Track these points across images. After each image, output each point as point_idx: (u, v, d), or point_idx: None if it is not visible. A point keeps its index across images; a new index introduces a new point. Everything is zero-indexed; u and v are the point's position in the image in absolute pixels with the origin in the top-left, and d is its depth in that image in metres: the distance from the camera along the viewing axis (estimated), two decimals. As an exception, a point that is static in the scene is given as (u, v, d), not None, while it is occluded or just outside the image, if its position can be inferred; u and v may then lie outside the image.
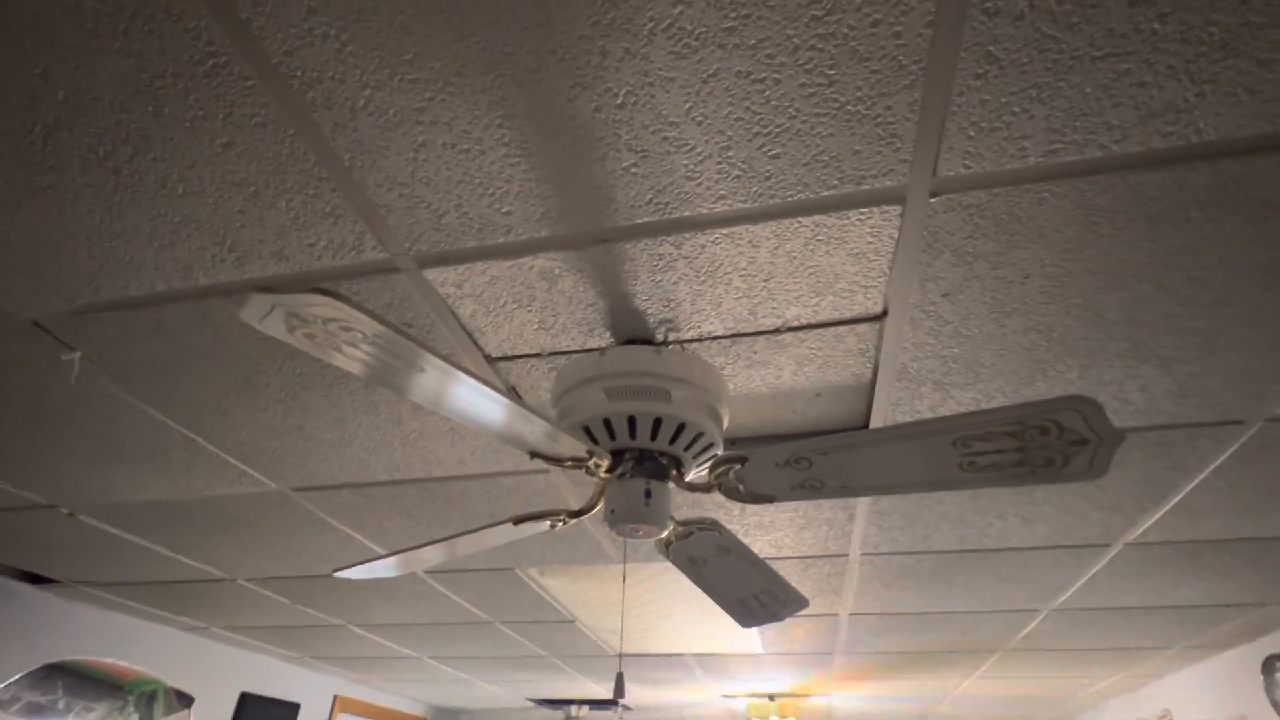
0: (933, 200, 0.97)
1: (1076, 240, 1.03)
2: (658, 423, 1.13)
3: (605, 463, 1.12)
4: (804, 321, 1.22)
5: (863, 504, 1.92)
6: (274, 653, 4.01)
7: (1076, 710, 5.28)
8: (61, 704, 2.84)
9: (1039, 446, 0.89)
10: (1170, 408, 1.41)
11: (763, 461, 1.03)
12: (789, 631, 3.25)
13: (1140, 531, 2.00)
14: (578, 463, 1.10)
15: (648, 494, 1.12)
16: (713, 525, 1.32)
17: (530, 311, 1.22)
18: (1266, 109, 0.84)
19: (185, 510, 2.05)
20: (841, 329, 1.24)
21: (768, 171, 0.94)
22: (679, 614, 3.02)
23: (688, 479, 1.20)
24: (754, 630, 3.24)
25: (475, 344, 1.31)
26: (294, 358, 1.36)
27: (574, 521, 1.24)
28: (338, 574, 1.44)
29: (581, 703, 5.40)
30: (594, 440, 1.17)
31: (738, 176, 0.95)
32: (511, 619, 3.15)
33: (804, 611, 2.92)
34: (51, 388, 1.47)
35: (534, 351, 1.33)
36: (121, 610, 3.19)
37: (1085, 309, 1.16)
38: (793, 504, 1.95)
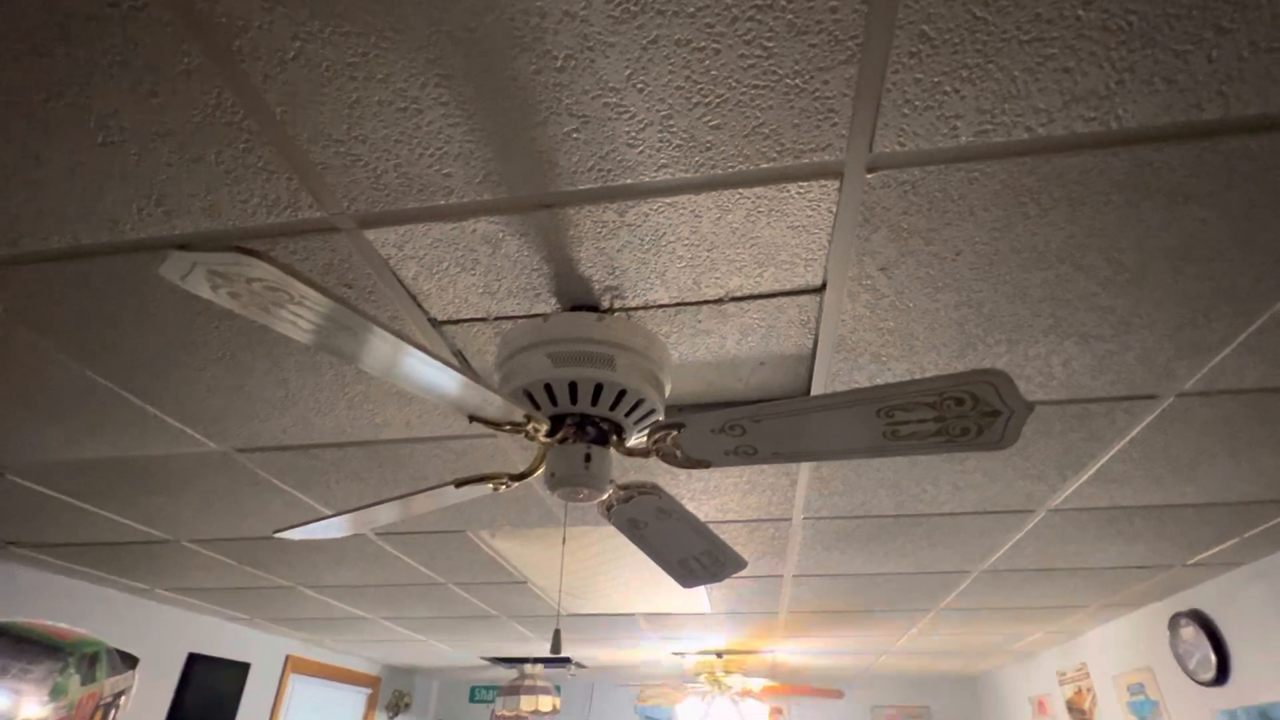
0: (869, 176, 1.00)
1: (1004, 219, 1.07)
2: (599, 389, 1.15)
3: (545, 427, 1.13)
4: (746, 292, 1.24)
5: (805, 470, 1.98)
6: (223, 614, 3.97)
7: (1004, 663, 5.62)
8: (-4, 666, 2.76)
9: (956, 416, 0.93)
10: (1089, 382, 1.49)
11: (698, 428, 1.06)
12: (735, 592, 3.36)
13: (1061, 499, 2.13)
14: (517, 427, 1.11)
15: (587, 458, 1.14)
16: (653, 489, 1.36)
17: (474, 275, 1.21)
18: (1181, 99, 0.88)
19: (122, 470, 1.99)
20: (783, 300, 1.27)
21: (709, 141, 0.95)
22: (629, 575, 3.10)
23: (628, 444, 1.23)
24: (702, 591, 3.34)
25: (419, 306, 1.30)
26: (232, 317, 1.33)
27: (516, 484, 1.26)
28: (278, 534, 1.43)
29: (535, 661, 5.51)
30: (535, 405, 1.18)
31: (679, 146, 0.95)
32: (464, 580, 3.19)
33: (749, 573, 3.02)
34: (-30, 342, 1.40)
35: (479, 315, 1.32)
36: (60, 572, 3.11)
37: (1011, 286, 1.21)
38: (737, 470, 2.00)
